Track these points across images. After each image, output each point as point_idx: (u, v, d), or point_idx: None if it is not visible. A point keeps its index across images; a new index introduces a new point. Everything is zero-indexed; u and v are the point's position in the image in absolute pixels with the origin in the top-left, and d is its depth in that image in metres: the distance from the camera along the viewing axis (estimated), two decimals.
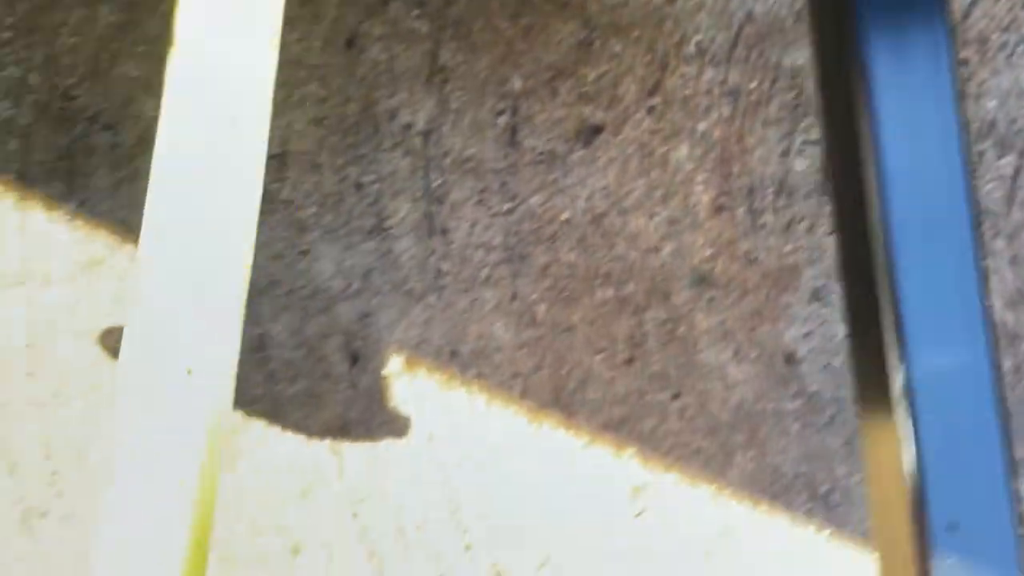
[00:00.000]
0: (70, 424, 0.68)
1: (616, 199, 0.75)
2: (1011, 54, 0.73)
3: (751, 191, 0.74)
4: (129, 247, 0.70)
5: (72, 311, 0.69)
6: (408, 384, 0.72)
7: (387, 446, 0.71)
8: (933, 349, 0.46)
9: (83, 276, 0.70)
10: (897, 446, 0.46)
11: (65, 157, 0.70)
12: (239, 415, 0.70)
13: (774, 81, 0.74)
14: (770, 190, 0.74)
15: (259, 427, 0.70)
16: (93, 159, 0.71)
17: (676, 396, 0.73)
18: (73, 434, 0.68)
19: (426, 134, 0.74)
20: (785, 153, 0.74)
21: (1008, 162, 0.73)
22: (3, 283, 0.69)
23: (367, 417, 0.71)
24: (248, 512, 0.70)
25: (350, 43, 0.73)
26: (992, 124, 0.73)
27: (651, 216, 0.74)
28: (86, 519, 0.68)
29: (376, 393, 0.71)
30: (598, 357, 0.74)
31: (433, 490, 0.71)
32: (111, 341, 0.69)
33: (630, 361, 0.74)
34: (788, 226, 0.74)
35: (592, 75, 0.75)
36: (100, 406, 0.69)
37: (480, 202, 0.74)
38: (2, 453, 0.68)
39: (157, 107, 0.71)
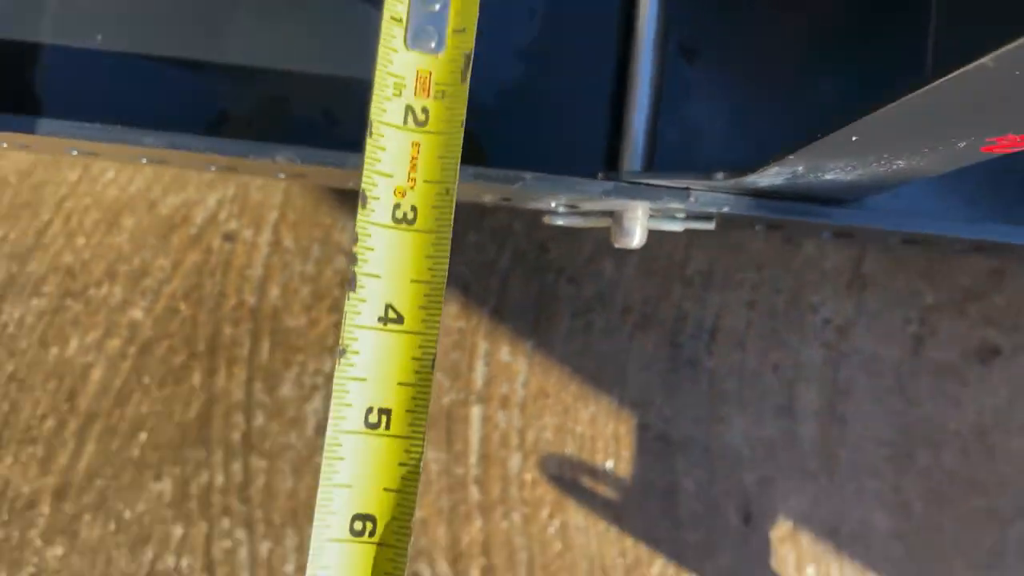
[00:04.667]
0: None
1: (1003, 418, 0.81)
2: None
3: None
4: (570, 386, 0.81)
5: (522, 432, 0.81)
6: (791, 550, 0.81)
7: None
8: None
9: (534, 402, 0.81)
10: None
11: (535, 301, 0.82)
12: (648, 550, 0.80)
13: None
14: None
15: (660, 563, 0.80)
16: (554, 306, 0.82)
17: None
18: None
19: (841, 330, 0.82)
20: None
21: None
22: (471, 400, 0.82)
23: (753, 571, 0.80)
24: None
25: (788, 238, 0.82)
26: None
27: None
28: None
29: (763, 552, 0.80)
30: (961, 559, 0.81)
31: None
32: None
33: (989, 568, 0.80)
34: None
35: (1000, 302, 0.82)
36: None
37: (879, 400, 0.82)
38: None
39: (615, 268, 0.82)
